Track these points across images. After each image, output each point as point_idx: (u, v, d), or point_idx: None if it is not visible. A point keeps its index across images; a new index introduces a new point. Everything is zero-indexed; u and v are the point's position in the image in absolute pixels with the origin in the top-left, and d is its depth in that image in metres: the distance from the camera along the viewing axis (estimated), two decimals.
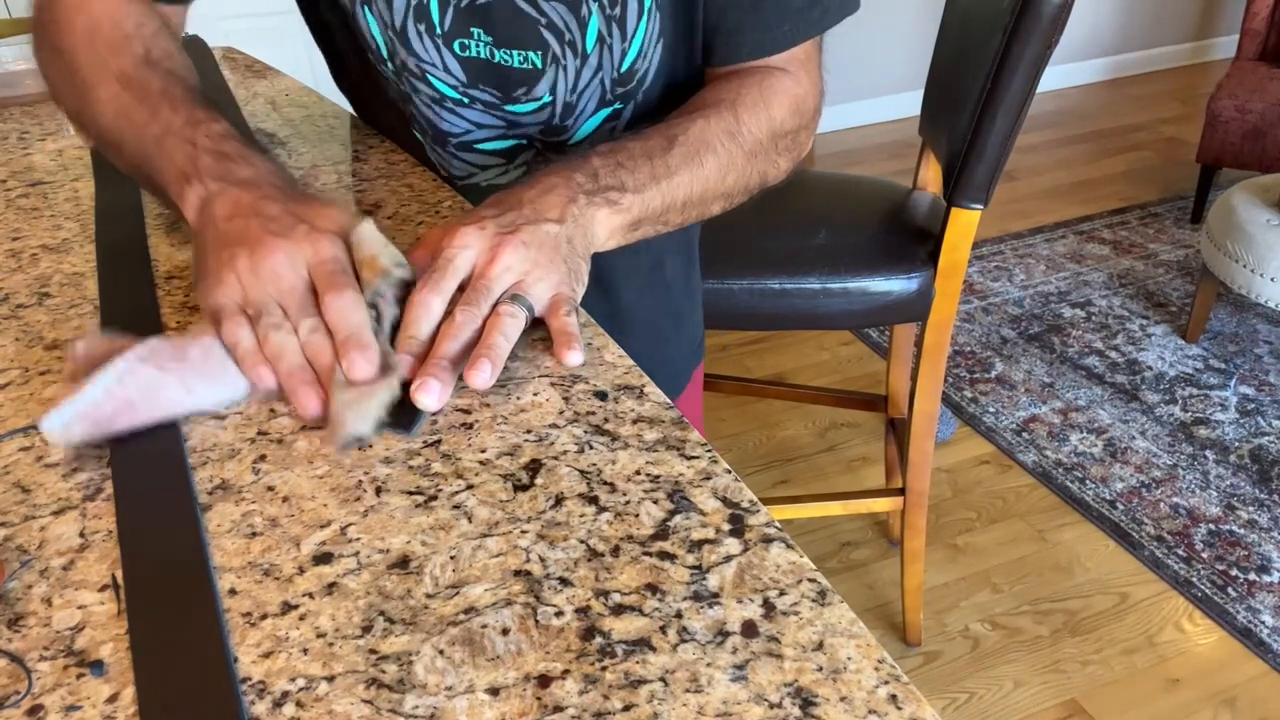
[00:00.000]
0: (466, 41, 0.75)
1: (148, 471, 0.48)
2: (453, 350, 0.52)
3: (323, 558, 0.43)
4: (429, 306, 0.54)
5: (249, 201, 0.56)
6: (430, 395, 0.50)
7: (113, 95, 0.65)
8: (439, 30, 0.74)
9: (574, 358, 0.55)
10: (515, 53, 0.75)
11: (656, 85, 0.79)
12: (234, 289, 0.53)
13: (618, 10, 0.73)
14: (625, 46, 0.76)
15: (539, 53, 0.75)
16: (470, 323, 0.54)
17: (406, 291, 0.56)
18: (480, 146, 0.82)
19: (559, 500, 0.46)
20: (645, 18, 0.74)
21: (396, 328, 0.55)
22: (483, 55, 0.75)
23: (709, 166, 0.69)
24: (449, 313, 0.54)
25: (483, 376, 0.52)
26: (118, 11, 0.70)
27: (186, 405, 0.51)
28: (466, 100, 0.78)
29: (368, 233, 0.56)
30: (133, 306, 0.63)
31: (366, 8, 0.74)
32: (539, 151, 0.82)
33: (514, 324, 0.54)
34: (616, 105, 0.80)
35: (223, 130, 0.61)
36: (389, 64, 0.77)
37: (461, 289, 0.56)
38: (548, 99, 0.78)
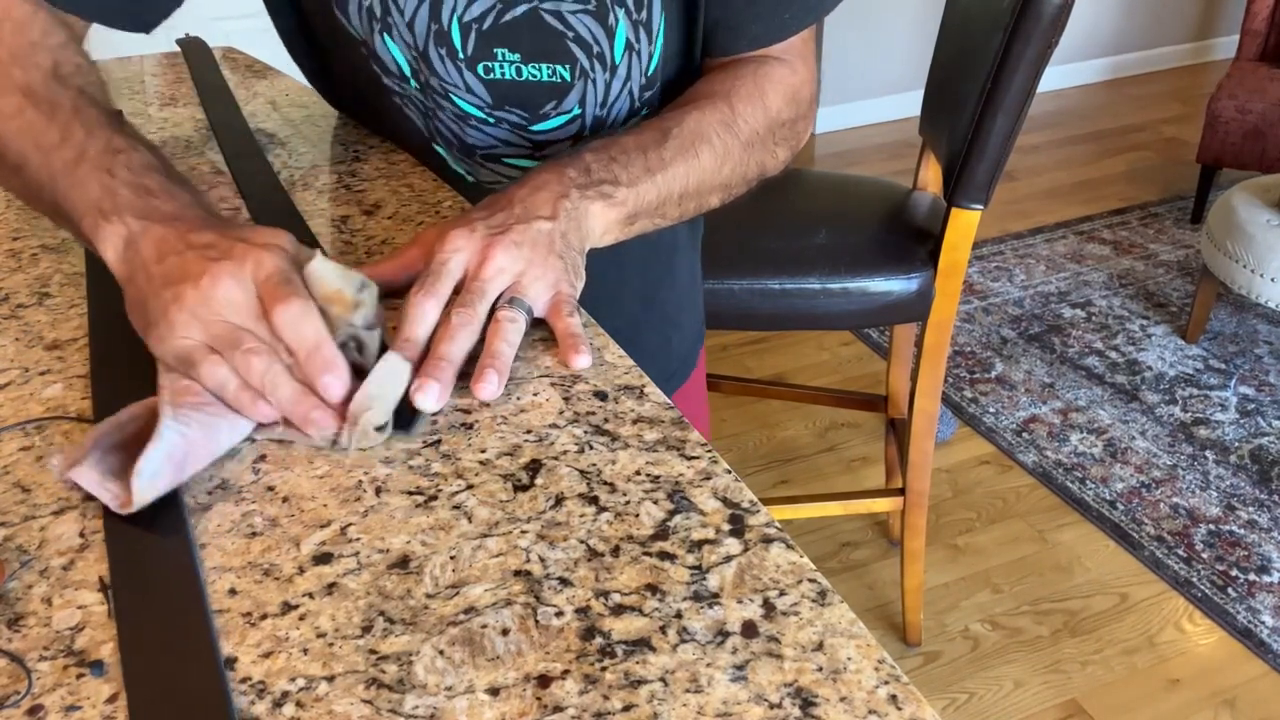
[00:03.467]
0: (491, 64, 0.74)
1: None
2: (450, 351, 0.51)
3: (323, 558, 0.43)
4: (424, 310, 0.53)
5: (176, 237, 0.51)
6: (429, 396, 0.50)
7: (15, 109, 0.59)
8: (461, 55, 0.74)
9: (581, 361, 0.54)
10: (544, 66, 0.74)
11: (672, 89, 0.79)
12: (191, 327, 0.49)
13: (644, 14, 0.72)
14: (651, 49, 0.75)
15: (567, 66, 0.74)
16: (466, 324, 0.52)
17: (382, 320, 0.53)
18: (508, 160, 0.81)
19: (559, 500, 0.46)
20: (663, 13, 0.74)
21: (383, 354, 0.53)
22: (509, 76, 0.75)
23: (705, 158, 0.68)
24: (444, 316, 0.53)
25: (490, 388, 0.51)
26: (21, 17, 0.64)
27: (233, 439, 0.49)
28: (492, 120, 0.78)
29: (321, 267, 0.51)
30: (120, 308, 0.63)
31: (386, 34, 0.73)
32: None
33: (515, 329, 0.53)
34: (644, 112, 0.79)
35: (144, 161, 0.56)
36: (412, 82, 0.76)
37: (457, 292, 0.55)
38: (577, 111, 0.77)
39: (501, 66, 0.74)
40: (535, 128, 0.78)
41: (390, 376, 0.50)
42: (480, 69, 0.75)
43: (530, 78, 0.75)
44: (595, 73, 0.75)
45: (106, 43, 0.83)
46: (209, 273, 0.49)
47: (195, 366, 0.48)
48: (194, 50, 1.12)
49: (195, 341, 0.49)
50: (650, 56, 0.75)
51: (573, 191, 0.60)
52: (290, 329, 0.48)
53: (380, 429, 0.49)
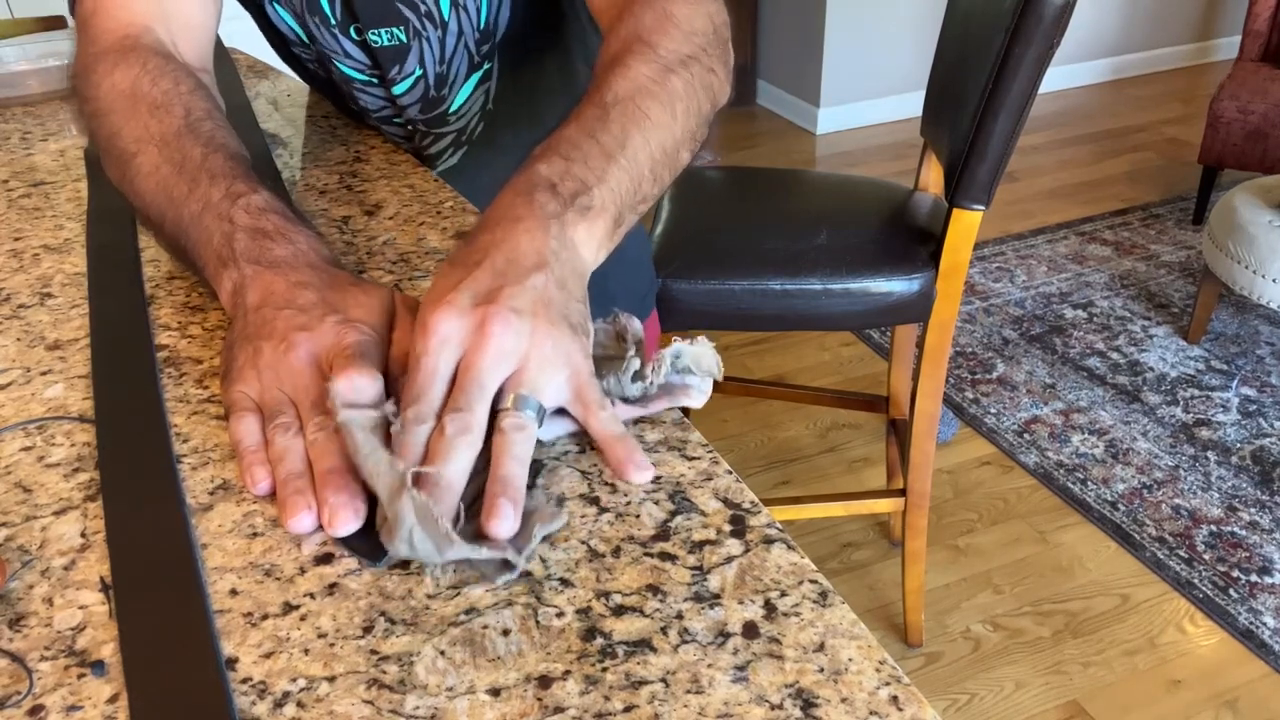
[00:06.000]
0: (360, 26, 0.80)
1: (137, 472, 0.48)
2: (448, 474, 0.44)
3: (324, 558, 0.43)
4: (413, 436, 0.45)
5: (282, 289, 0.52)
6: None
7: (153, 166, 0.61)
8: (333, 21, 0.79)
9: (641, 476, 0.47)
10: (383, 31, 0.79)
11: (515, 36, 0.83)
12: (252, 385, 0.50)
13: None
14: (478, 3, 0.80)
15: (402, 28, 0.79)
16: (462, 433, 0.44)
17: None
18: (395, 120, 0.88)
19: (560, 501, 0.46)
20: None
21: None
22: (372, 41, 0.80)
23: (655, 113, 0.59)
24: (438, 423, 0.45)
25: (506, 525, 0.43)
26: (157, 69, 0.67)
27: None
28: (376, 81, 0.84)
29: (365, 449, 0.45)
30: (121, 308, 0.63)
31: (275, 3, 0.79)
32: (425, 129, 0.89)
33: (523, 440, 0.45)
34: (485, 66, 0.84)
35: (262, 203, 0.57)
36: (310, 48, 0.83)
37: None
38: (419, 72, 0.82)
39: (361, 32, 0.80)
40: (394, 91, 0.84)
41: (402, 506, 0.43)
42: (353, 31, 0.80)
43: (373, 42, 0.80)
44: (428, 31, 0.79)
45: None
46: (288, 341, 0.49)
47: (230, 414, 0.49)
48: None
49: (244, 396, 0.50)
50: (478, 11, 0.80)
51: (552, 224, 0.50)
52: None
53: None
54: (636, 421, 0.51)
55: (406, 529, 0.41)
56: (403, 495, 0.42)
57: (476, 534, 0.43)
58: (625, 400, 0.51)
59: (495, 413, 0.46)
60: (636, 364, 0.51)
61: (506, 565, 0.42)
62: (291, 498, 0.45)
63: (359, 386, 0.47)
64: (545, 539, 0.44)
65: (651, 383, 0.51)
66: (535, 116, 0.91)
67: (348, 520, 0.43)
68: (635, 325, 0.54)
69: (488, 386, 0.45)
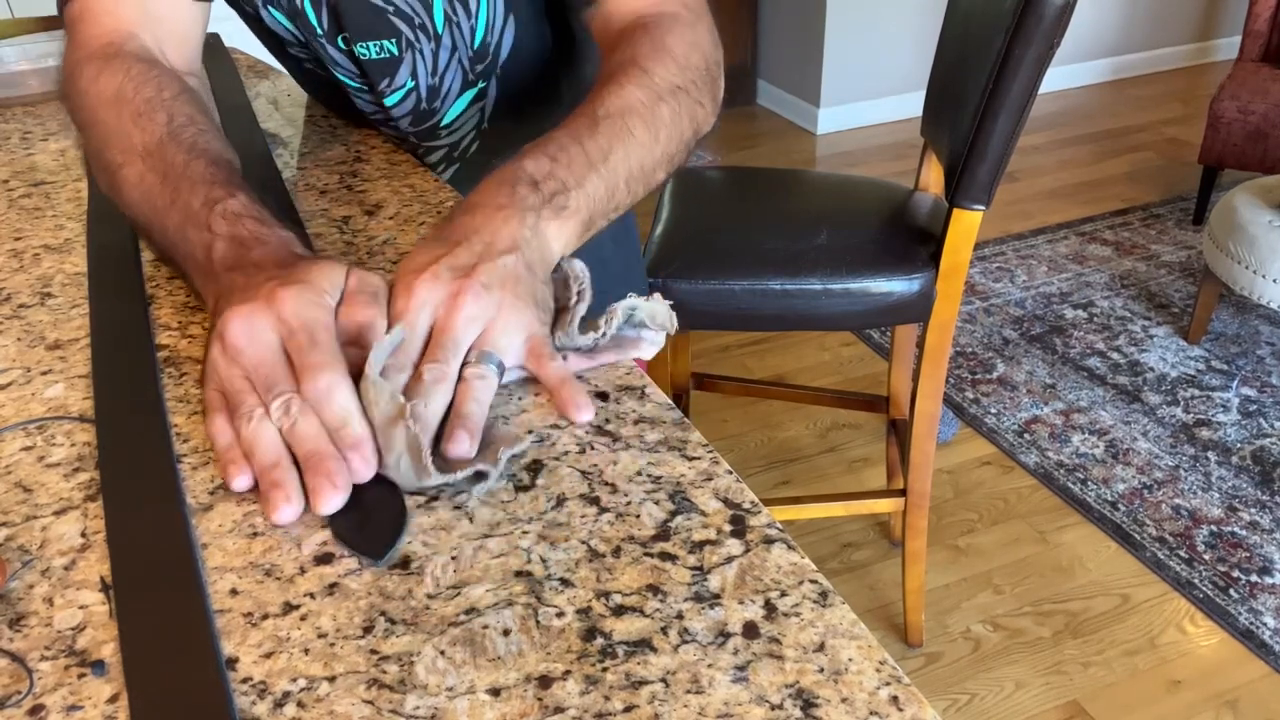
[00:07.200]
0: (348, 37, 0.80)
1: (137, 472, 0.48)
2: (427, 411, 0.48)
3: (324, 558, 0.43)
4: (393, 383, 0.49)
5: (242, 283, 0.52)
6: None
7: (138, 177, 0.62)
8: (319, 31, 0.80)
9: (584, 415, 0.52)
10: (372, 44, 0.79)
11: (516, 61, 0.84)
12: (213, 377, 0.50)
13: None
14: (473, 23, 0.80)
15: (393, 40, 0.79)
16: (438, 381, 0.49)
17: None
18: (390, 124, 0.88)
19: (560, 501, 0.46)
20: None
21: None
22: (354, 51, 0.80)
23: (639, 132, 0.64)
24: (415, 371, 0.50)
25: (463, 447, 0.48)
26: (140, 74, 0.67)
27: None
28: (367, 89, 0.84)
29: (375, 393, 0.48)
30: (121, 308, 0.63)
31: (270, 6, 0.79)
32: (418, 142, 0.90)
33: (484, 386, 0.51)
34: (480, 84, 0.85)
35: (238, 207, 0.58)
36: (306, 50, 0.83)
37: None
38: (410, 84, 0.83)
39: (349, 43, 0.80)
40: (386, 103, 0.85)
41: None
42: (340, 40, 0.80)
43: (363, 55, 0.80)
44: (421, 43, 0.80)
45: None
46: (228, 318, 0.49)
47: (206, 416, 0.49)
48: (209, 50, 1.12)
49: (218, 396, 0.49)
50: (472, 30, 0.80)
51: (529, 215, 0.56)
52: (317, 401, 0.47)
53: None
54: (637, 422, 0.52)
55: (396, 456, 0.46)
56: (399, 424, 0.46)
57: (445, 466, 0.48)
58: (577, 351, 0.55)
59: (461, 368, 0.51)
60: (582, 309, 0.55)
61: (480, 476, 0.47)
62: (270, 492, 0.45)
63: (322, 390, 0.47)
64: (514, 460, 0.48)
65: (604, 334, 0.55)
66: (531, 139, 0.91)
67: (330, 498, 0.45)
68: (577, 266, 0.57)
69: (461, 344, 0.51)
